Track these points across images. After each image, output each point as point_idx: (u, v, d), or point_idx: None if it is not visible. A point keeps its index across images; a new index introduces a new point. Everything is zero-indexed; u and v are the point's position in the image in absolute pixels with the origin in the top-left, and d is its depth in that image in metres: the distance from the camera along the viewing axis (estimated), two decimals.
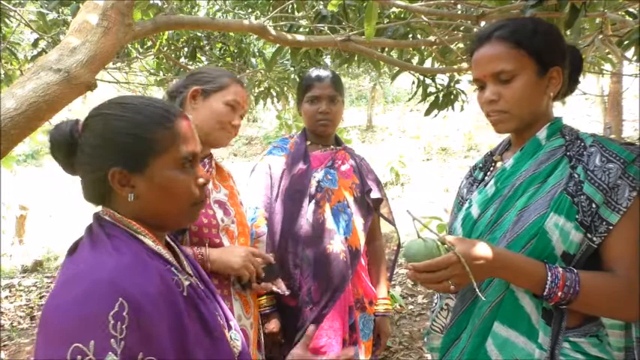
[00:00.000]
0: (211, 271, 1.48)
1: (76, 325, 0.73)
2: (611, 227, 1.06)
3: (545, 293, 1.05)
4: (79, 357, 0.72)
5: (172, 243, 1.03)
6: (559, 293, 1.04)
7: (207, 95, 1.58)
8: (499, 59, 1.15)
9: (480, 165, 1.36)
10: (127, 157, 0.88)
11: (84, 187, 0.94)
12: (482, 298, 1.11)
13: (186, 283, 0.90)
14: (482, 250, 1.06)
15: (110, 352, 0.73)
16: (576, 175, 1.10)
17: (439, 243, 1.08)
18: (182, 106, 1.61)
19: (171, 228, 0.99)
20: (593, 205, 1.06)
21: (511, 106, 1.16)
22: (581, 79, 1.29)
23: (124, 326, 0.74)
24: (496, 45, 1.16)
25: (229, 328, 1.02)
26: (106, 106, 0.93)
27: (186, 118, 0.96)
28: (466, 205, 1.29)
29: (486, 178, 1.30)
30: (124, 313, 0.75)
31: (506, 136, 1.33)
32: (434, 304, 1.42)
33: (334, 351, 1.82)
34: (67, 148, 0.91)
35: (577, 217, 1.07)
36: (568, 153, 1.14)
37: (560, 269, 1.06)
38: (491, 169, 1.32)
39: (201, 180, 0.96)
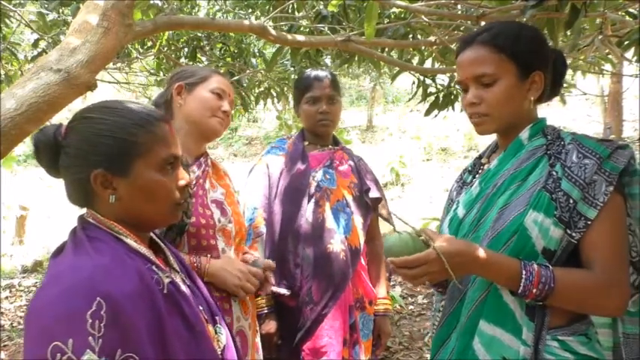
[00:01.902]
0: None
1: (56, 324, 0.77)
2: (589, 222, 1.08)
3: (520, 290, 1.07)
4: (58, 355, 0.75)
5: (158, 240, 1.06)
6: (534, 290, 1.06)
7: (191, 88, 1.59)
8: (480, 63, 1.17)
9: (469, 168, 1.38)
10: (109, 159, 0.91)
11: (67, 189, 0.96)
12: (459, 286, 1.12)
13: (167, 280, 0.92)
14: (458, 247, 1.08)
15: (88, 350, 0.75)
16: (555, 173, 1.11)
17: (414, 236, 1.10)
18: (169, 105, 1.62)
19: (153, 228, 1.02)
20: (571, 201, 1.08)
21: (491, 110, 1.17)
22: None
23: (101, 324, 0.77)
24: (478, 48, 1.18)
25: (214, 322, 1.04)
26: (90, 110, 0.95)
27: (167, 122, 0.99)
28: (453, 206, 1.31)
29: (474, 180, 1.32)
30: (102, 312, 0.77)
31: (495, 137, 1.34)
32: (434, 306, 1.43)
33: (335, 351, 1.83)
34: (51, 152, 0.94)
35: (555, 213, 1.08)
36: (548, 152, 1.16)
37: (536, 266, 1.07)
38: (479, 171, 1.34)
39: (181, 182, 0.98)
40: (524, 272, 1.06)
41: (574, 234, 1.08)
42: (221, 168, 1.74)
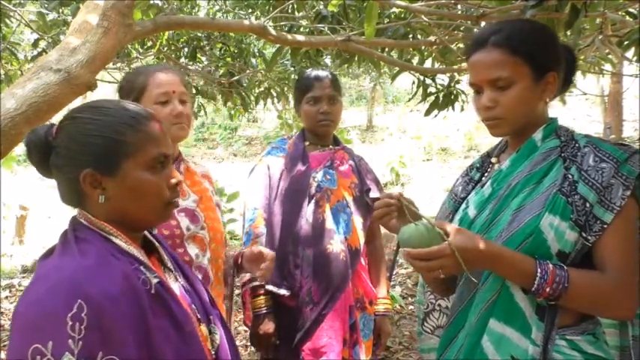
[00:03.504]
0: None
1: (36, 326, 0.78)
2: (605, 226, 1.07)
3: (533, 288, 1.06)
4: (38, 357, 0.75)
5: (154, 240, 1.06)
6: (547, 289, 1.05)
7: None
8: (495, 66, 1.15)
9: (477, 165, 1.37)
10: (97, 159, 0.91)
11: (60, 189, 0.96)
12: (474, 280, 1.10)
13: (155, 280, 0.91)
14: (475, 242, 1.07)
15: (67, 352, 0.76)
16: (570, 176, 1.11)
17: (430, 227, 1.09)
18: None
19: (144, 228, 1.01)
20: (587, 205, 1.08)
21: (507, 113, 1.16)
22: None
23: (82, 327, 0.77)
24: (492, 51, 1.15)
25: (208, 322, 1.03)
26: (79, 110, 0.95)
27: (157, 120, 0.98)
28: (463, 205, 1.30)
29: (483, 179, 1.31)
30: (83, 314, 0.78)
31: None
32: (425, 306, 1.41)
33: (334, 351, 1.82)
34: (42, 151, 0.94)
35: (571, 216, 1.08)
36: (563, 154, 1.15)
37: (551, 265, 1.07)
38: (488, 170, 1.32)
39: (172, 181, 0.98)
40: (539, 271, 1.06)
41: (589, 237, 1.08)
42: (197, 172, 1.66)
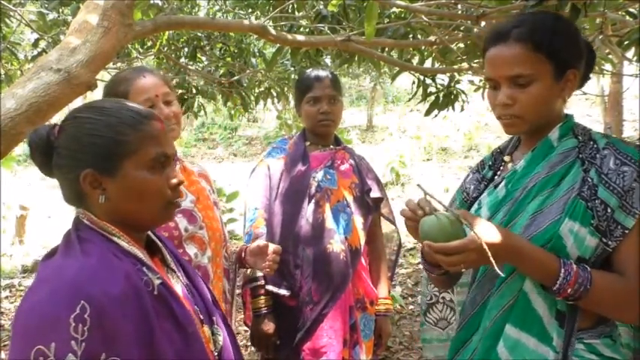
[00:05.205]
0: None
1: (39, 327, 0.78)
2: (626, 231, 1.05)
3: (555, 288, 1.04)
4: (40, 358, 0.75)
5: (158, 241, 1.05)
6: (569, 290, 1.03)
7: None
8: (516, 62, 1.09)
9: (489, 163, 1.32)
10: (97, 159, 0.91)
11: (62, 189, 0.96)
12: (501, 274, 1.04)
13: (157, 281, 0.91)
14: (500, 235, 1.04)
15: (70, 354, 0.76)
16: (590, 179, 1.08)
17: (452, 219, 1.06)
18: None
19: (146, 228, 1.01)
20: (609, 210, 1.05)
21: (525, 112, 1.12)
22: None
23: (85, 328, 0.77)
24: (514, 46, 1.10)
25: (211, 323, 1.03)
26: (80, 110, 0.95)
27: (158, 120, 0.98)
28: (475, 206, 1.26)
29: (496, 178, 1.27)
30: (86, 315, 0.78)
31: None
32: (428, 297, 1.40)
33: (335, 351, 1.82)
34: (44, 151, 0.94)
35: (592, 222, 1.06)
36: (581, 155, 1.12)
37: (575, 266, 1.05)
38: (501, 168, 1.28)
39: (173, 181, 0.97)
40: (562, 271, 1.03)
41: (610, 242, 1.06)
42: (194, 171, 1.65)
